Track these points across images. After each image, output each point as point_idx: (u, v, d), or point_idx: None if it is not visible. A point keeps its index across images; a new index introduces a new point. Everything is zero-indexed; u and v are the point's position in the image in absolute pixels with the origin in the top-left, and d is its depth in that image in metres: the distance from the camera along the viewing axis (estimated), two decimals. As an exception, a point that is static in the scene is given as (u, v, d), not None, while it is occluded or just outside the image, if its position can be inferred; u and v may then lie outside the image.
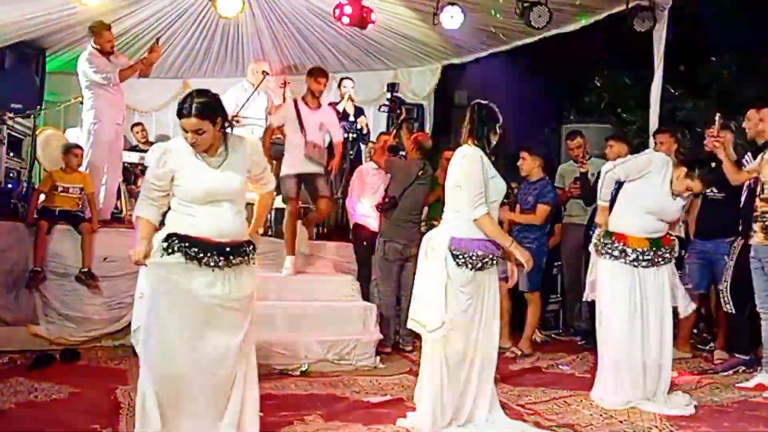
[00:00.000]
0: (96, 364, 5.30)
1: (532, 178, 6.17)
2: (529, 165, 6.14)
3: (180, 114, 3.15)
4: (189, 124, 3.13)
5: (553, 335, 7.08)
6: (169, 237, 3.19)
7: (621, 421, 4.05)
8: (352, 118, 7.73)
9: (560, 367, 5.68)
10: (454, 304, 3.73)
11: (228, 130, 3.31)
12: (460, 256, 3.73)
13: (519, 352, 6.00)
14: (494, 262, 3.85)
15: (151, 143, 8.79)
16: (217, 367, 3.21)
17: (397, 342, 6.18)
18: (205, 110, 3.16)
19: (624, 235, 4.44)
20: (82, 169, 6.32)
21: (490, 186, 3.79)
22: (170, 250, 3.16)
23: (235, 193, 3.26)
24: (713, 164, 4.75)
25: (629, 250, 4.40)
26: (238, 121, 6.99)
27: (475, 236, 3.78)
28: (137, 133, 8.76)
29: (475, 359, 3.83)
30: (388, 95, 7.78)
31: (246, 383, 3.31)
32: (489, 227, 3.78)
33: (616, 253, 4.42)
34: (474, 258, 3.75)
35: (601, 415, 4.17)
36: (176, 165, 3.22)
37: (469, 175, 3.76)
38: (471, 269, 3.74)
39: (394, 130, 6.90)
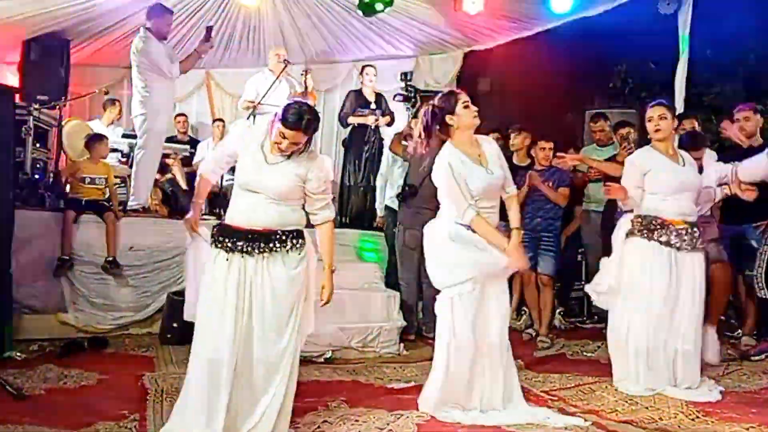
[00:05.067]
0: (123, 352, 5.37)
1: (543, 164, 6.19)
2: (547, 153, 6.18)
3: (293, 125, 3.24)
4: (296, 137, 3.26)
5: (577, 323, 7.04)
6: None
7: (647, 408, 4.03)
8: (373, 105, 7.72)
9: (585, 354, 5.65)
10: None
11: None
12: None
13: (547, 343, 5.98)
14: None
15: (190, 136, 8.86)
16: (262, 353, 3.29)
17: (421, 329, 6.19)
18: (311, 128, 3.30)
19: (661, 217, 4.40)
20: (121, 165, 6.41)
21: (466, 185, 3.83)
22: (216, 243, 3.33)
23: (272, 192, 3.30)
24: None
25: (670, 228, 4.36)
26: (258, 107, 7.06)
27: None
28: (178, 123, 8.76)
29: (485, 346, 3.86)
30: (402, 84, 7.74)
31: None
32: (481, 229, 3.82)
33: (654, 234, 4.37)
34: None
35: (626, 402, 4.15)
36: (245, 147, 3.36)
37: (441, 186, 3.89)
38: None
39: (411, 119, 6.90)
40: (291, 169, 3.33)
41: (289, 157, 3.33)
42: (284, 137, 3.25)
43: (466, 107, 3.90)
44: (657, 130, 4.50)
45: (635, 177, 4.48)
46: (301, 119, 3.24)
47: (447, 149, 3.91)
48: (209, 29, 6.85)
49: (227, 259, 3.26)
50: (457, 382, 3.85)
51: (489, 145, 4.03)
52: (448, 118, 3.90)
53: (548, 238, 6.09)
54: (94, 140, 6.34)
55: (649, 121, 4.53)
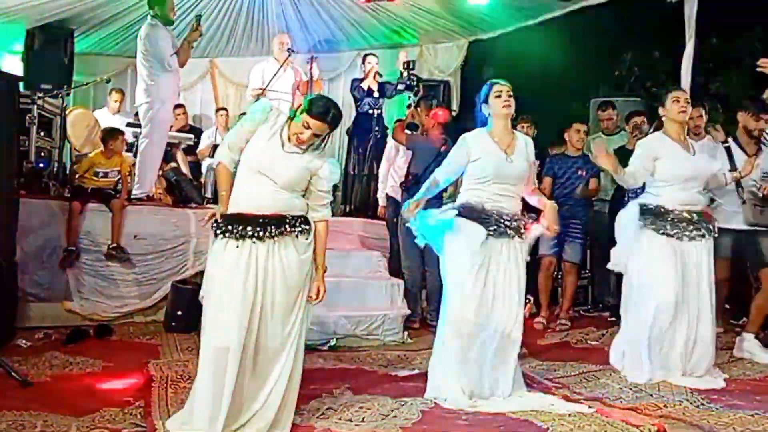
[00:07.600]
0: (128, 339, 5.38)
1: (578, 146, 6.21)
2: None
3: (319, 116, 3.26)
4: (320, 128, 3.28)
5: (581, 311, 7.04)
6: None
7: (651, 395, 4.02)
8: (376, 95, 7.69)
9: (589, 341, 5.65)
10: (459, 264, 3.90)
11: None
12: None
13: (567, 325, 6.07)
14: (505, 232, 3.88)
15: (190, 126, 8.84)
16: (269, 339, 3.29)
17: (425, 317, 6.20)
18: (336, 123, 3.35)
19: (666, 207, 4.38)
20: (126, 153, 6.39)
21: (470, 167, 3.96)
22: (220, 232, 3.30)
23: (281, 180, 3.29)
24: None
25: (674, 217, 4.34)
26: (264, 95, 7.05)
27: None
28: (178, 115, 8.71)
29: (495, 334, 3.86)
30: (405, 73, 7.71)
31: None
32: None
33: (659, 223, 4.34)
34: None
35: (630, 389, 4.15)
36: (266, 129, 3.35)
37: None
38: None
39: (413, 108, 6.89)
40: (304, 162, 3.33)
41: (304, 150, 3.33)
42: (308, 127, 3.26)
43: (497, 97, 3.97)
44: (682, 112, 4.44)
45: (645, 161, 4.43)
46: (327, 111, 3.27)
47: (478, 131, 4.05)
48: (198, 18, 6.78)
49: (238, 246, 3.24)
50: (462, 368, 3.85)
51: (524, 142, 4.08)
52: (483, 106, 4.03)
53: (576, 225, 6.12)
54: (109, 135, 6.27)
55: (676, 101, 4.45)
